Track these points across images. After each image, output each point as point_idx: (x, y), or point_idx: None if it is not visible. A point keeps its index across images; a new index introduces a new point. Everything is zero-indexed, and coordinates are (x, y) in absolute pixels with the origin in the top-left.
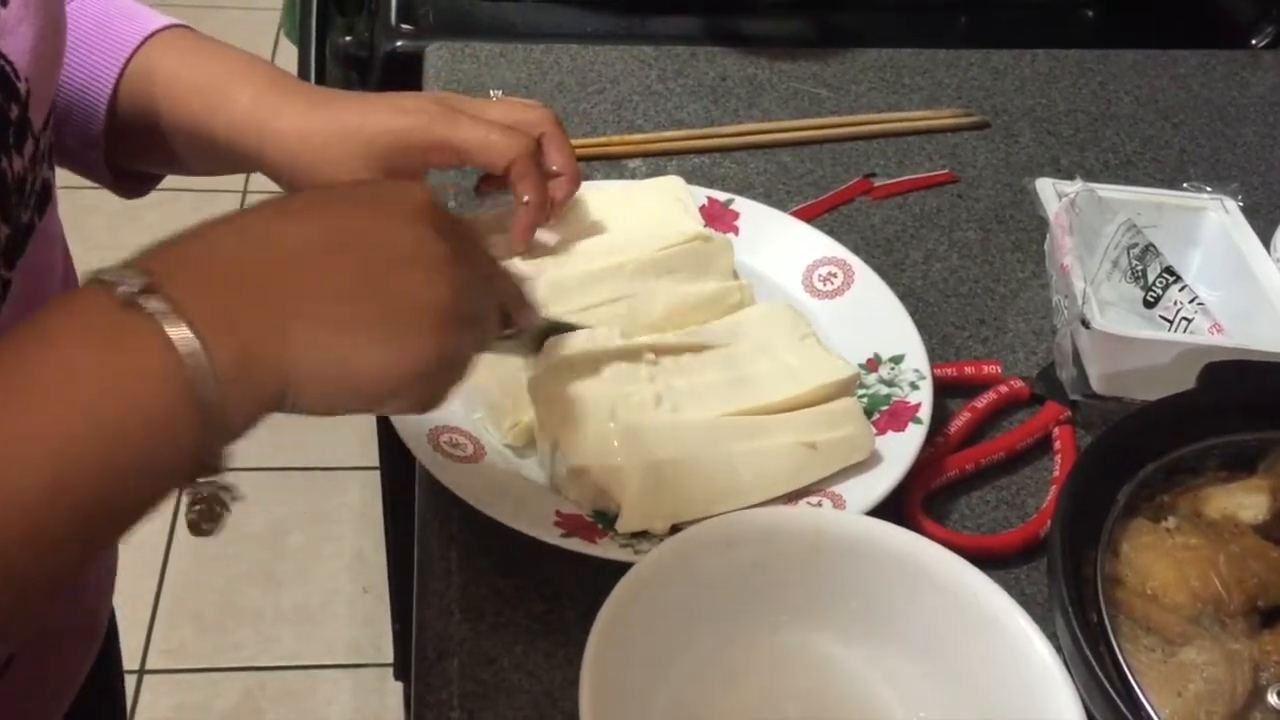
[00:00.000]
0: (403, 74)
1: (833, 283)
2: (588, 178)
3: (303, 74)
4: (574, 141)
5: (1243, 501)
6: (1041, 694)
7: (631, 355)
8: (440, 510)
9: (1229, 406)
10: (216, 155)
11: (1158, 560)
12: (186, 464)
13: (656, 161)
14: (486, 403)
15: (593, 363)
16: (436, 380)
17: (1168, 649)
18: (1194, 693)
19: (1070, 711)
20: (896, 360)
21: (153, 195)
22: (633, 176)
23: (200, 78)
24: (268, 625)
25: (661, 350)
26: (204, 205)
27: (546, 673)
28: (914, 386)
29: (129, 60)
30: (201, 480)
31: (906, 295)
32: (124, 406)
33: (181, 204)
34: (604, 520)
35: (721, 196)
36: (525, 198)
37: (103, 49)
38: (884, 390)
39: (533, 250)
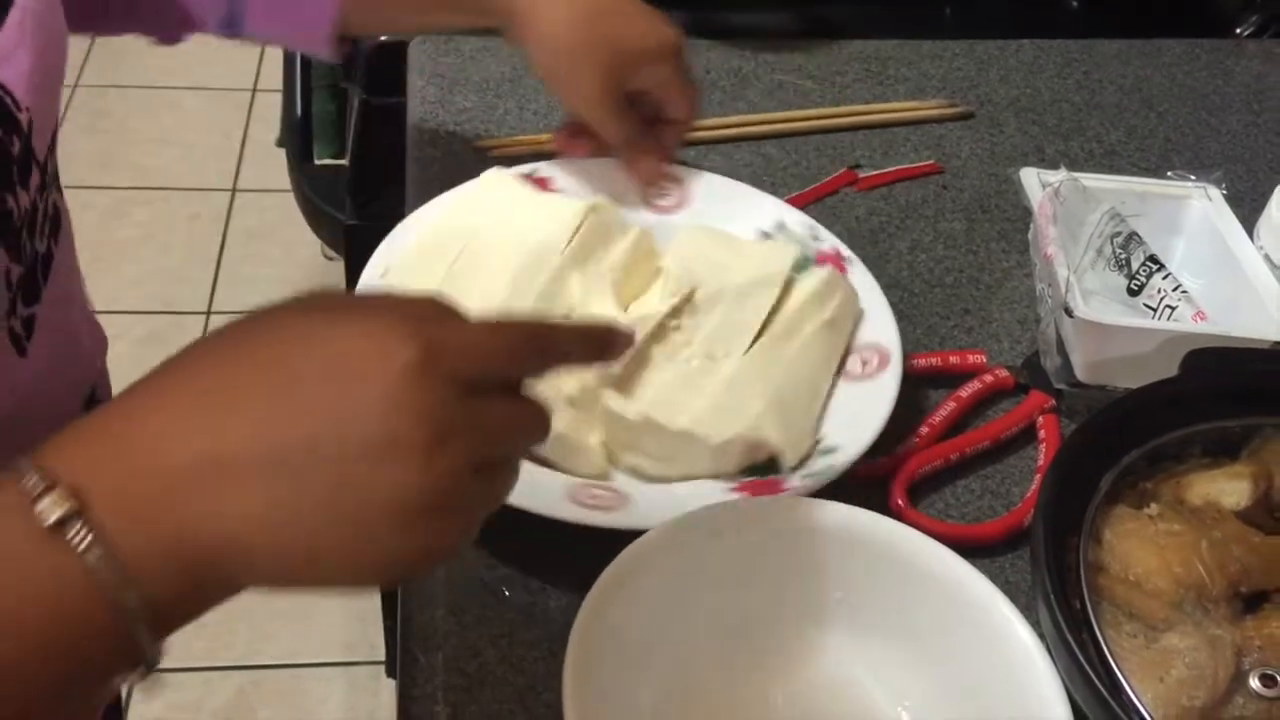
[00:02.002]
0: (387, 68)
1: None
2: None
3: (287, 65)
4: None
5: (1225, 488)
6: (1025, 681)
7: (660, 334)
8: None
9: (1212, 393)
10: (461, 10)
11: (1140, 547)
12: (116, 661)
13: None
14: None
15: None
16: (414, 569)
17: (1150, 635)
18: (1176, 678)
19: (1053, 698)
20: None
21: (141, 194)
22: None
23: None
24: (260, 623)
25: (673, 316)
26: (193, 204)
27: (530, 665)
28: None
29: None
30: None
31: (892, 286)
32: (29, 607)
33: (172, 203)
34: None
35: None
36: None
37: None
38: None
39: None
